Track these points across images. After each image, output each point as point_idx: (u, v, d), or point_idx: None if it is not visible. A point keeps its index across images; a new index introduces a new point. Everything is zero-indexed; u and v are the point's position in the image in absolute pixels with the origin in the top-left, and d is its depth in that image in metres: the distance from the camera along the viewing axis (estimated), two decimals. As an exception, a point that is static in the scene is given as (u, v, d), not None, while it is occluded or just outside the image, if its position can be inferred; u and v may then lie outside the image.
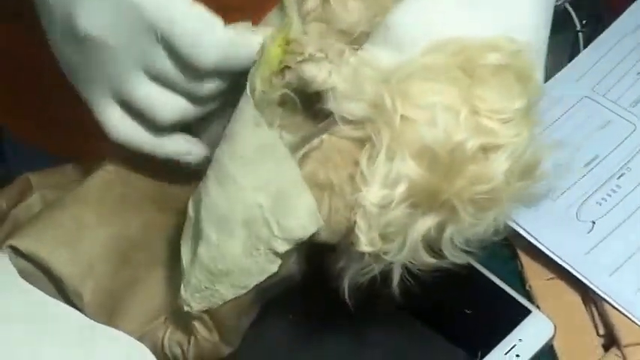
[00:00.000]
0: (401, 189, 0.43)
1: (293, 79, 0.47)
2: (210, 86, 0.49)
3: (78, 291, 0.51)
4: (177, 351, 0.52)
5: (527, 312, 0.57)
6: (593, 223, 0.60)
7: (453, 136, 0.42)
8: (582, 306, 0.58)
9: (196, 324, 0.51)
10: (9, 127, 0.78)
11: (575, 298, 0.58)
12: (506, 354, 0.55)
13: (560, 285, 0.59)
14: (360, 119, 0.44)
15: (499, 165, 0.43)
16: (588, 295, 0.58)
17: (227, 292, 0.48)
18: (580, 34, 0.78)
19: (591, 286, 0.57)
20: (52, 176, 0.58)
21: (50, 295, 0.51)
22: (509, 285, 0.59)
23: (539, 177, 0.46)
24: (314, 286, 0.51)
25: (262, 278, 0.47)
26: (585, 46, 0.75)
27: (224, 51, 0.47)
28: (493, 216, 0.44)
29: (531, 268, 0.60)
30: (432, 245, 0.45)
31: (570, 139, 0.66)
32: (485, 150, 0.43)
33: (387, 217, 0.43)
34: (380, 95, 0.43)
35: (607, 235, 0.60)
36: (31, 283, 0.50)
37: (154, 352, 0.51)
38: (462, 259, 0.46)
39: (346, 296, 0.46)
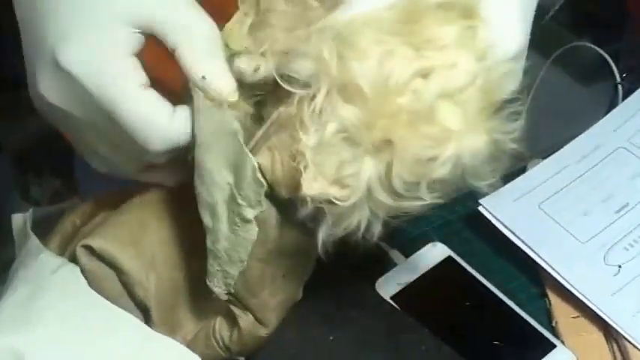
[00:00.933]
0: (331, 127, 0.45)
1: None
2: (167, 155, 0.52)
3: (143, 284, 0.56)
4: (225, 334, 0.57)
5: (553, 346, 0.61)
6: (620, 267, 0.64)
7: (383, 67, 0.44)
8: (604, 343, 0.61)
9: (232, 307, 0.55)
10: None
11: (597, 336, 0.62)
12: (530, 384, 0.59)
13: (585, 323, 0.63)
14: (306, 78, 0.46)
15: (430, 88, 0.44)
16: (610, 334, 0.61)
17: (231, 269, 0.52)
18: (619, 86, 0.81)
19: (614, 325, 0.61)
20: (116, 197, 0.63)
21: (117, 292, 0.56)
22: (537, 321, 0.63)
23: (505, 118, 0.46)
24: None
25: (249, 247, 0.51)
26: (624, 99, 0.78)
27: (172, 140, 0.50)
28: (446, 152, 0.44)
29: (559, 306, 0.64)
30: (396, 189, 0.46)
31: (603, 186, 0.70)
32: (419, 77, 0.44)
33: (325, 156, 0.45)
34: (321, 49, 0.45)
35: (632, 279, 0.63)
36: (101, 282, 0.55)
37: (210, 341, 0.57)
38: (428, 200, 0.46)
39: (322, 254, 0.48)
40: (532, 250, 0.65)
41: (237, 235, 0.52)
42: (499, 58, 0.46)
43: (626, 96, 0.79)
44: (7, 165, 0.86)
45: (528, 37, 0.50)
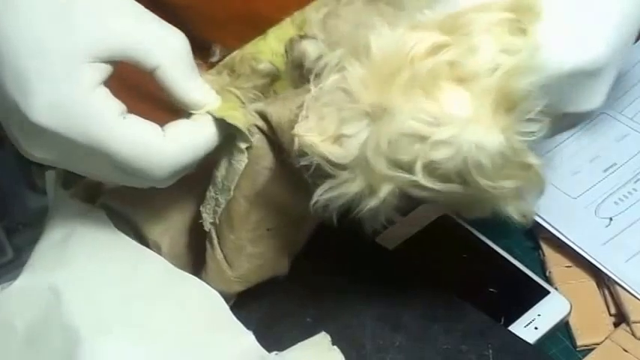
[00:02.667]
0: (333, 78, 0.45)
1: (294, 52, 0.54)
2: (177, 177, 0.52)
3: (157, 243, 0.59)
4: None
5: (547, 292, 0.63)
6: (611, 219, 0.67)
7: (398, 35, 0.43)
8: (596, 289, 0.64)
9: (208, 244, 0.57)
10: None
11: (590, 283, 0.65)
12: (525, 327, 0.61)
13: (577, 272, 0.65)
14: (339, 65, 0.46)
15: (435, 59, 0.42)
16: (602, 280, 0.64)
17: (221, 197, 0.55)
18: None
19: (606, 272, 0.63)
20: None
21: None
22: (532, 271, 0.65)
23: (524, 119, 0.44)
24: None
25: (236, 177, 0.54)
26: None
27: (173, 163, 0.49)
28: (440, 134, 0.42)
29: (552, 257, 0.67)
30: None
31: (590, 148, 0.73)
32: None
33: (324, 109, 0.45)
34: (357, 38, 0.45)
35: (623, 229, 0.66)
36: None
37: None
38: (424, 182, 0.44)
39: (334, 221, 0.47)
40: (525, 205, 0.68)
41: (231, 163, 0.54)
42: (555, 63, 0.44)
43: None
44: (11, 159, 0.88)
45: (617, 55, 0.46)
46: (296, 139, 0.46)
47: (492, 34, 0.43)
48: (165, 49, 0.48)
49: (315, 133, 0.45)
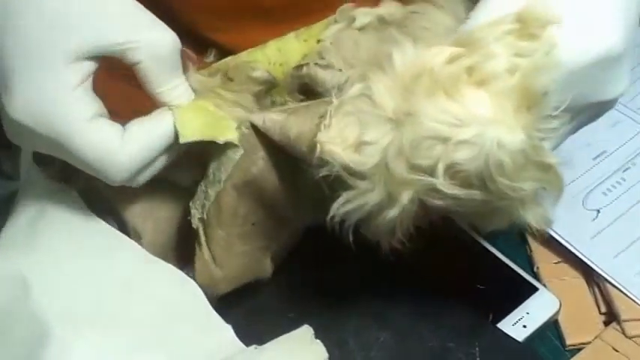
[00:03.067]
0: (356, 88, 0.46)
1: (307, 75, 0.54)
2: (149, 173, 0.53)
3: (138, 230, 0.57)
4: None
5: (535, 289, 0.62)
6: (598, 211, 0.66)
7: (419, 49, 0.45)
8: (586, 287, 0.63)
9: (196, 242, 0.56)
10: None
11: (579, 280, 0.63)
12: (514, 324, 0.60)
13: (566, 268, 0.64)
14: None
15: (457, 63, 0.44)
16: (591, 277, 0.63)
17: (211, 190, 0.54)
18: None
19: (595, 268, 0.62)
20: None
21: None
22: (520, 267, 0.64)
23: (544, 117, 0.45)
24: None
25: (229, 168, 0.53)
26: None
27: (127, 166, 0.51)
28: (464, 134, 0.43)
29: (540, 253, 0.65)
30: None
31: (581, 134, 0.71)
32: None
33: (346, 118, 0.46)
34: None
35: (611, 222, 0.65)
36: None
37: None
38: (444, 188, 0.44)
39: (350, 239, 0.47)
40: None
41: (226, 154, 0.54)
42: (574, 57, 0.45)
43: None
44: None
45: (630, 37, 0.47)
46: (317, 147, 0.46)
47: (505, 41, 0.44)
48: (148, 48, 0.50)
49: (337, 141, 0.46)
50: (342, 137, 0.46)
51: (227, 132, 0.53)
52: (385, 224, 0.46)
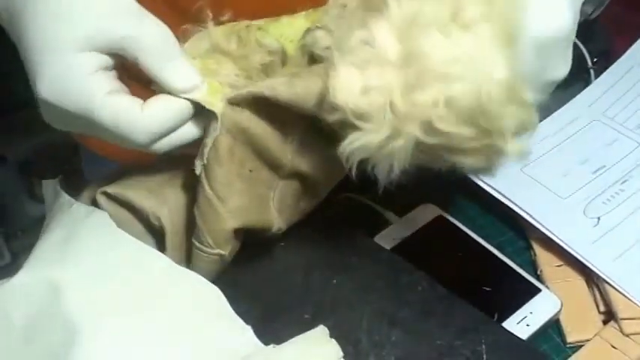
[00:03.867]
0: (359, 34, 0.51)
1: (307, 40, 0.58)
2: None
3: (156, 214, 0.61)
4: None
5: (538, 290, 0.65)
6: (599, 219, 0.69)
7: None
8: (586, 288, 0.66)
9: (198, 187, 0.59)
10: (85, 145, 0.89)
11: (579, 282, 0.67)
12: (517, 323, 0.63)
13: (568, 271, 0.67)
14: None
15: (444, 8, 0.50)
16: (591, 279, 0.66)
17: (209, 138, 0.58)
18: (591, 70, 0.87)
19: (595, 270, 0.65)
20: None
21: (135, 233, 0.61)
22: (524, 270, 0.67)
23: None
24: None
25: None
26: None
27: (150, 128, 0.55)
28: (459, 69, 0.49)
29: (543, 257, 0.69)
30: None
31: (581, 151, 0.75)
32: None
33: (352, 62, 0.50)
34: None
35: (610, 229, 0.68)
36: (122, 225, 0.60)
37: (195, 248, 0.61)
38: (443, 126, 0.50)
39: (353, 173, 0.52)
40: (517, 206, 0.70)
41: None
42: (539, 31, 0.51)
43: (597, 77, 0.84)
44: (13, 172, 0.90)
45: (575, 22, 0.53)
46: (329, 94, 0.51)
47: None
48: (138, 43, 0.54)
49: (346, 87, 0.50)
50: (349, 83, 0.50)
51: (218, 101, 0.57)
52: (386, 159, 0.51)
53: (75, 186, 0.67)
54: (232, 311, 0.58)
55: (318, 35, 0.57)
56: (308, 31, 0.58)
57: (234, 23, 0.61)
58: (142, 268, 0.59)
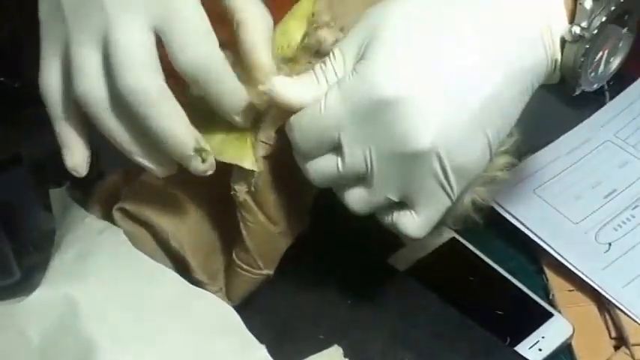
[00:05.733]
0: None
1: (311, 41, 0.59)
2: None
3: (176, 236, 0.61)
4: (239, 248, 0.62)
5: (550, 315, 0.66)
6: (610, 244, 0.69)
7: None
8: (597, 313, 0.67)
9: (242, 212, 0.60)
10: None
11: (591, 307, 0.67)
12: (530, 348, 0.64)
13: (579, 296, 0.68)
14: None
15: None
16: (603, 304, 0.67)
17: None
18: (607, 92, 0.87)
19: (606, 296, 0.66)
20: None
21: (151, 250, 0.62)
22: (537, 294, 0.68)
23: None
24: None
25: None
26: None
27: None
28: None
29: (555, 281, 0.69)
30: None
31: (593, 174, 0.76)
32: None
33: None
34: None
35: (621, 255, 0.68)
36: (137, 243, 0.61)
37: (235, 266, 0.62)
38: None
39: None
40: (530, 230, 0.71)
41: None
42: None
43: (611, 99, 0.85)
44: (27, 176, 0.90)
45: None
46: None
47: None
48: (264, 16, 0.56)
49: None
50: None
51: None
52: None
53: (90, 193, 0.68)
54: (247, 330, 0.58)
55: (321, 35, 0.58)
56: (308, 34, 0.59)
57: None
58: (157, 287, 0.60)
